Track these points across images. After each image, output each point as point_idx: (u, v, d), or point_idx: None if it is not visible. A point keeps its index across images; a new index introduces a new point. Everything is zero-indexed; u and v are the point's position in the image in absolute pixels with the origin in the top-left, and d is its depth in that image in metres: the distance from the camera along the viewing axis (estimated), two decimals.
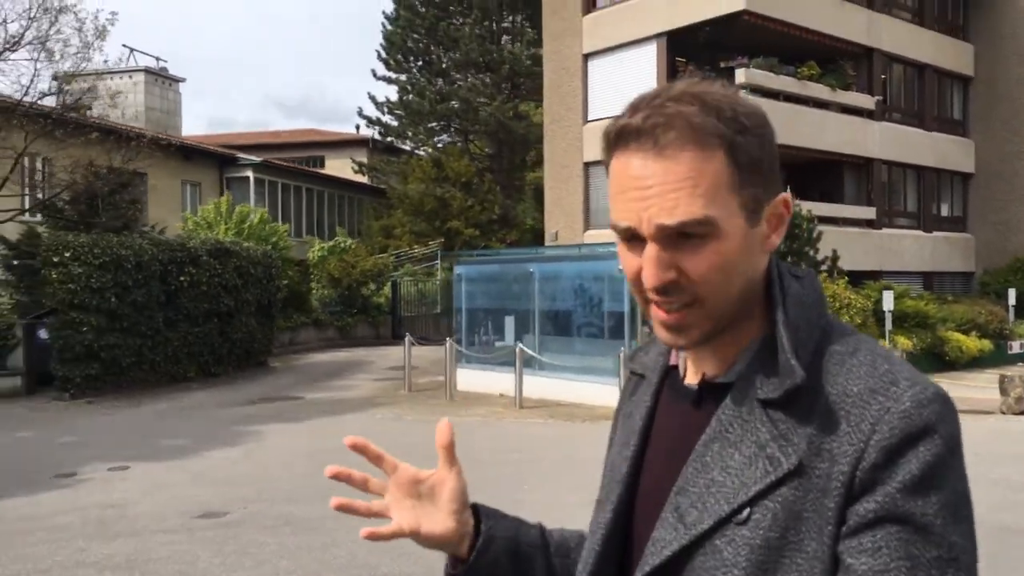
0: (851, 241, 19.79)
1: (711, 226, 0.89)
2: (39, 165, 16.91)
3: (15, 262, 15.99)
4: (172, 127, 33.47)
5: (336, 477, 1.02)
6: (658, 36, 20.22)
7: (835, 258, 15.56)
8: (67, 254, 13.65)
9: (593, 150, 21.91)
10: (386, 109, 37.66)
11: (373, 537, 1.03)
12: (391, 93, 39.13)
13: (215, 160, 31.59)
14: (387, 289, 26.75)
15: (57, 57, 16.92)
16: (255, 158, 32.61)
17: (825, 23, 20.13)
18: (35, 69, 16.70)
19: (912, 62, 22.70)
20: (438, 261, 30.29)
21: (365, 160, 41.16)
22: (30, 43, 16.44)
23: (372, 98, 39.52)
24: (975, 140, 24.17)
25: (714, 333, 0.93)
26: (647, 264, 0.89)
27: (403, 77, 37.06)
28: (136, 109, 29.46)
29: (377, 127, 37.99)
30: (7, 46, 15.87)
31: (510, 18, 36.91)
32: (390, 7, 37.13)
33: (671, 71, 20.15)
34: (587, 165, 21.88)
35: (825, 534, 0.84)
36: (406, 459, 1.07)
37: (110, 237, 14.35)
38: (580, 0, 22.12)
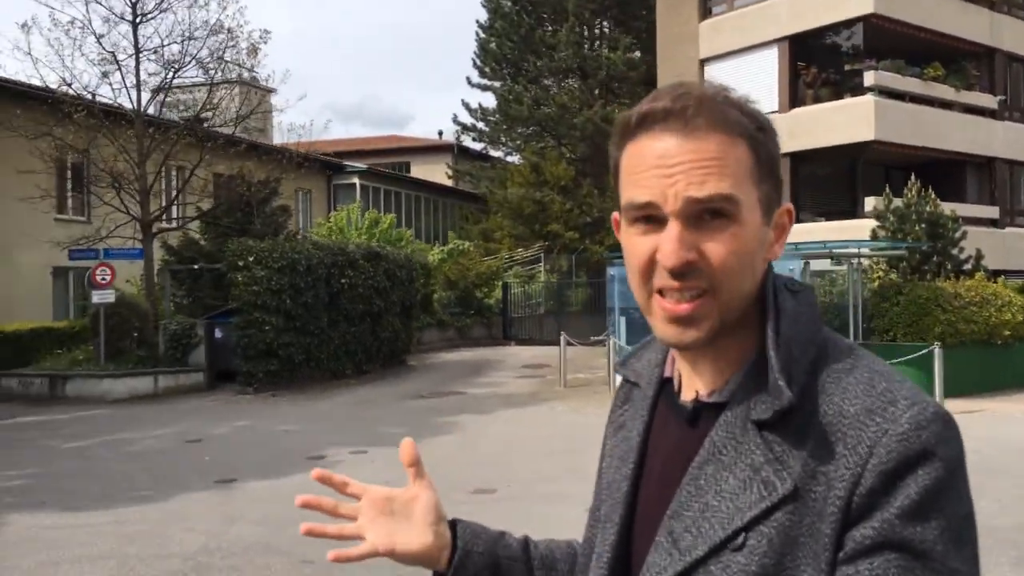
0: (975, 241, 19.84)
1: (736, 206, 0.88)
2: (197, 175, 17.94)
3: (179, 267, 17.05)
4: (264, 136, 34.92)
5: (306, 506, 1.06)
6: (779, 40, 20.55)
7: (979, 257, 15.73)
8: (251, 258, 14.65)
9: None
10: (480, 115, 38.51)
11: (340, 559, 1.03)
12: (481, 100, 39.93)
13: (323, 167, 32.77)
14: (497, 291, 27.51)
15: (217, 76, 18.05)
16: (361, 165, 33.77)
17: (948, 24, 20.25)
18: (208, 90, 17.66)
19: None
20: (541, 264, 30.96)
21: (450, 165, 42.21)
22: (195, 63, 17.57)
23: (466, 105, 40.68)
24: None
25: (719, 332, 0.91)
26: (668, 243, 0.87)
27: (498, 84, 37.83)
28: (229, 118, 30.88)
29: (472, 133, 38.86)
30: (174, 67, 16.95)
31: (600, 23, 37.46)
32: (483, 15, 37.81)
33: (793, 75, 20.48)
34: None
35: (822, 560, 0.82)
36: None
37: (284, 243, 15.30)
38: (696, 6, 22.55)
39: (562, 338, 15.64)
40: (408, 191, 37.00)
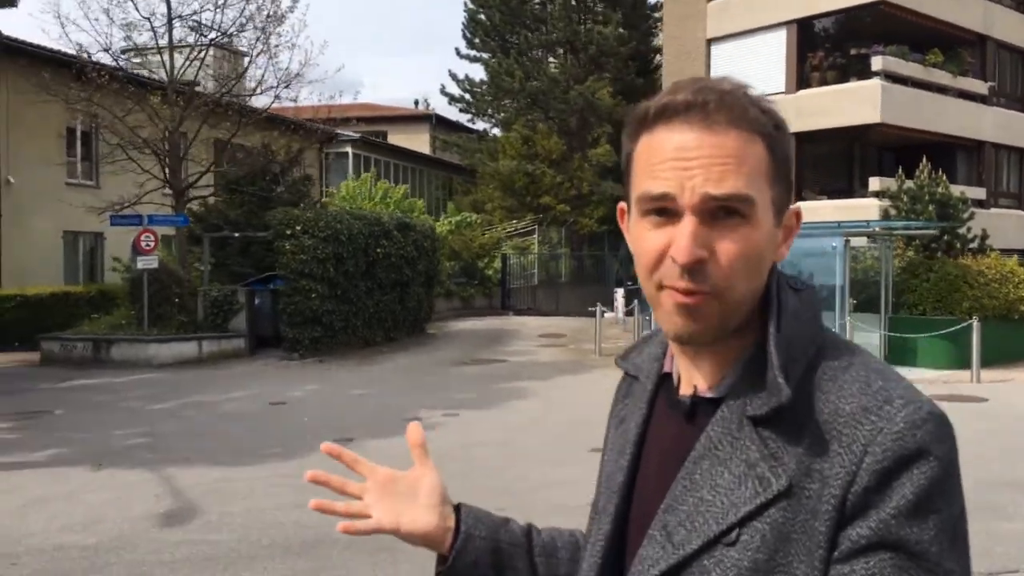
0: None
1: (751, 207, 0.88)
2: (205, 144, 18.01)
3: (217, 234, 17.22)
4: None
5: (315, 481, 1.09)
6: (788, 23, 21.23)
7: (984, 236, 16.72)
8: (298, 227, 14.93)
9: None
10: (467, 86, 38.65)
11: (349, 531, 1.07)
12: (468, 71, 40.03)
13: (315, 136, 32.72)
14: (496, 263, 28.02)
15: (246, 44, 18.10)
16: (354, 134, 33.77)
17: (946, 12, 21.14)
18: (252, 61, 17.66)
19: (1018, 49, 23.69)
20: (535, 235, 31.51)
21: (435, 136, 42.46)
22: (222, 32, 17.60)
23: (453, 75, 40.74)
24: None
25: (721, 332, 0.91)
26: (683, 238, 0.87)
27: (487, 56, 37.98)
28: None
29: (459, 104, 39.01)
30: (227, 34, 16.97)
31: (591, 0, 37.77)
32: None
33: (800, 57, 21.22)
34: None
35: (815, 558, 0.83)
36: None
37: (327, 213, 15.60)
38: None
39: (598, 309, 16.25)
40: (398, 161, 37.18)
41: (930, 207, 16.14)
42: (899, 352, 13.26)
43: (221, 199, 18.86)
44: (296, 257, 14.92)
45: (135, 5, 16.58)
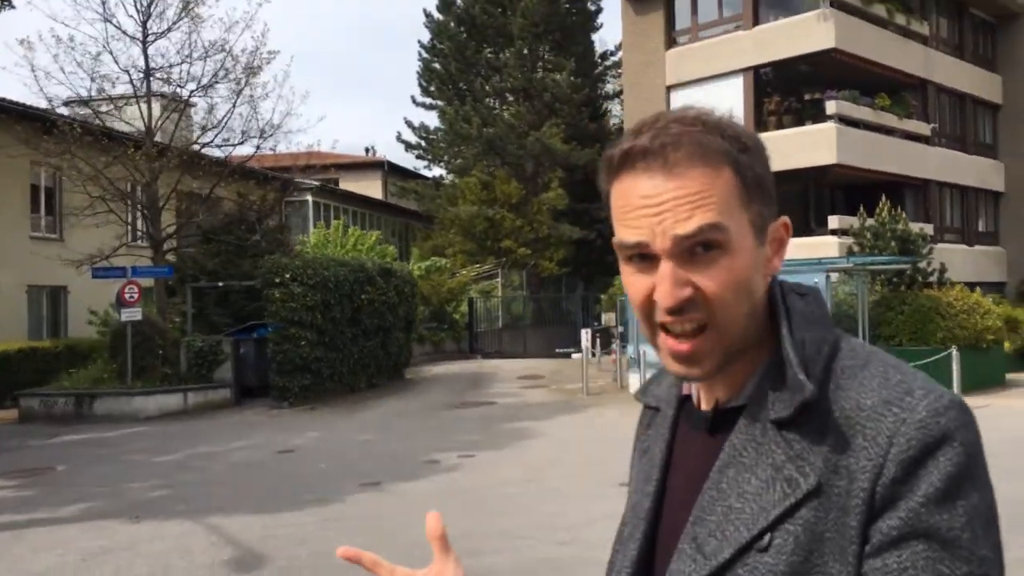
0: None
1: (725, 234, 0.88)
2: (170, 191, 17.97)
3: (202, 284, 17.10)
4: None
5: (346, 558, 1.05)
6: (744, 70, 22.21)
7: (943, 270, 17.59)
8: (287, 275, 14.96)
9: None
10: (423, 133, 39.14)
11: None
12: (423, 119, 40.50)
13: (275, 185, 32.74)
14: (463, 306, 28.23)
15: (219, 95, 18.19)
16: (314, 182, 33.82)
17: (891, 57, 22.38)
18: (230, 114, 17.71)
19: (955, 92, 25.14)
20: (498, 279, 31.84)
21: (392, 182, 42.84)
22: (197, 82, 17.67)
23: (409, 123, 41.21)
24: (1004, 162, 26.73)
25: (725, 363, 0.92)
26: (663, 282, 0.88)
27: (441, 103, 38.55)
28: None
29: (416, 151, 39.43)
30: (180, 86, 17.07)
31: (542, 47, 38.73)
32: (424, 36, 38.67)
33: (758, 102, 22.18)
34: None
35: (849, 554, 0.82)
36: None
37: (314, 260, 15.66)
38: (663, 37, 24.04)
39: (584, 346, 16.54)
40: (356, 208, 37.36)
41: (892, 243, 16.95)
42: None
43: (197, 249, 18.75)
44: (286, 305, 14.93)
45: (114, 58, 16.50)
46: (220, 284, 16.68)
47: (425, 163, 40.13)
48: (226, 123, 17.24)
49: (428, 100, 38.88)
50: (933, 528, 0.80)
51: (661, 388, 1.09)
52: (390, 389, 17.86)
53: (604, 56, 39.55)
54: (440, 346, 25.83)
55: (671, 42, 24.11)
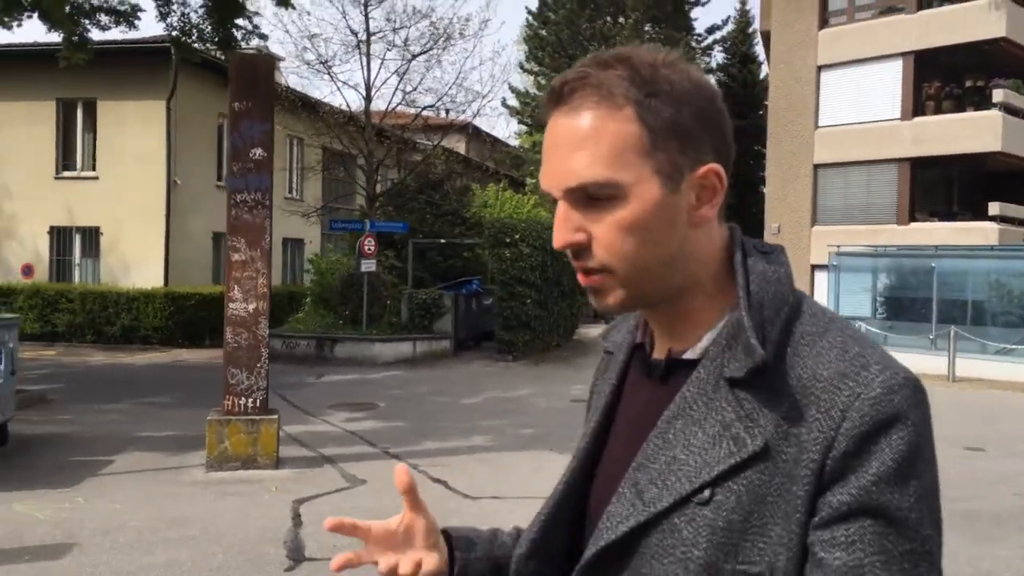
0: None
1: (615, 188, 0.87)
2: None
3: (422, 241, 18.03)
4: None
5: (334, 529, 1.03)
6: (905, 54, 22.65)
7: None
8: (516, 236, 15.83)
9: (823, 153, 24.38)
10: (529, 100, 39.76)
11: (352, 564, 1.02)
12: (526, 85, 41.07)
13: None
14: None
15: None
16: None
17: None
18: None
19: None
20: None
21: (463, 146, 43.90)
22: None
23: (514, 89, 41.84)
24: None
25: (638, 302, 0.93)
26: (556, 224, 0.89)
27: (548, 71, 39.06)
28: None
29: (520, 116, 40.10)
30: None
31: (650, 26, 39.08)
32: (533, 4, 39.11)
33: (916, 86, 22.65)
34: (816, 167, 24.34)
35: (793, 522, 0.83)
36: None
37: (537, 223, 16.52)
38: (816, 16, 24.46)
39: None
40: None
41: None
42: None
43: (391, 207, 19.67)
44: (515, 264, 15.81)
45: (347, 23, 17.33)
46: (442, 241, 17.57)
47: (528, 129, 40.84)
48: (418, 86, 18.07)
49: (535, 67, 39.43)
50: (883, 506, 0.81)
51: (620, 334, 1.10)
52: (569, 348, 18.77)
53: (712, 30, 39.87)
54: (588, 306, 26.76)
55: (823, 22, 24.52)
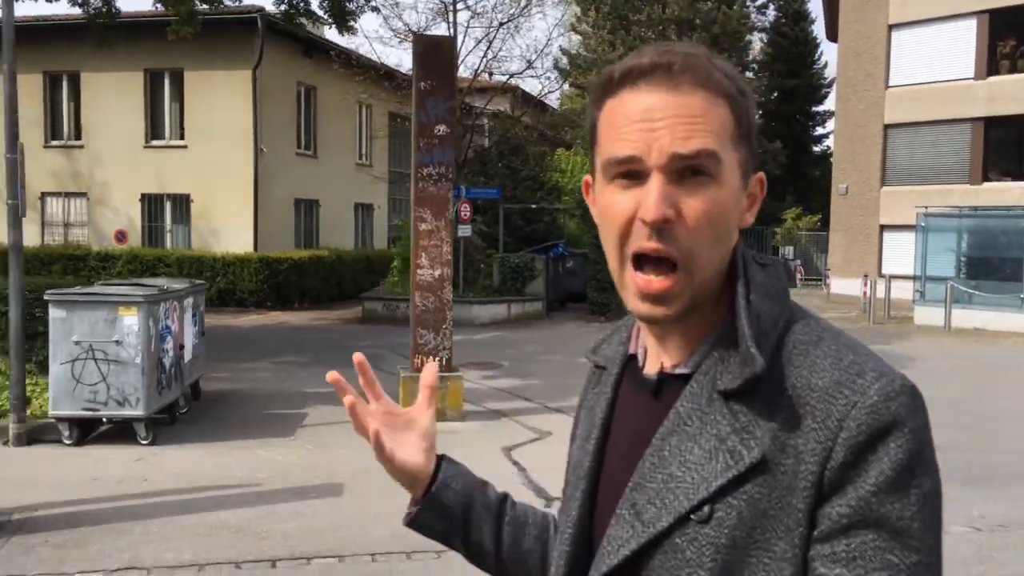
0: None
1: (718, 164, 0.87)
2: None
3: (512, 206, 18.46)
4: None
5: (334, 382, 1.08)
6: (980, 13, 22.51)
7: None
8: None
9: (894, 113, 24.37)
10: (579, 61, 39.67)
11: (353, 407, 1.07)
12: (571, 46, 40.98)
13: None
14: None
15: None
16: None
17: None
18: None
19: None
20: None
21: (507, 108, 43.92)
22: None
23: (565, 51, 41.78)
24: None
25: (688, 311, 0.90)
26: (650, 196, 0.85)
27: (603, 33, 38.91)
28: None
29: (570, 77, 40.03)
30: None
31: None
32: None
33: (991, 45, 22.54)
34: (887, 127, 24.36)
35: (795, 535, 0.82)
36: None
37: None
38: None
39: (866, 280, 17.63)
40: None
41: None
42: None
43: (471, 173, 20.07)
44: None
45: None
46: (533, 205, 17.99)
47: (579, 92, 40.84)
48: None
49: (587, 27, 39.32)
50: (884, 517, 0.79)
51: (611, 347, 1.08)
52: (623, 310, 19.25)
53: None
54: None
55: None
